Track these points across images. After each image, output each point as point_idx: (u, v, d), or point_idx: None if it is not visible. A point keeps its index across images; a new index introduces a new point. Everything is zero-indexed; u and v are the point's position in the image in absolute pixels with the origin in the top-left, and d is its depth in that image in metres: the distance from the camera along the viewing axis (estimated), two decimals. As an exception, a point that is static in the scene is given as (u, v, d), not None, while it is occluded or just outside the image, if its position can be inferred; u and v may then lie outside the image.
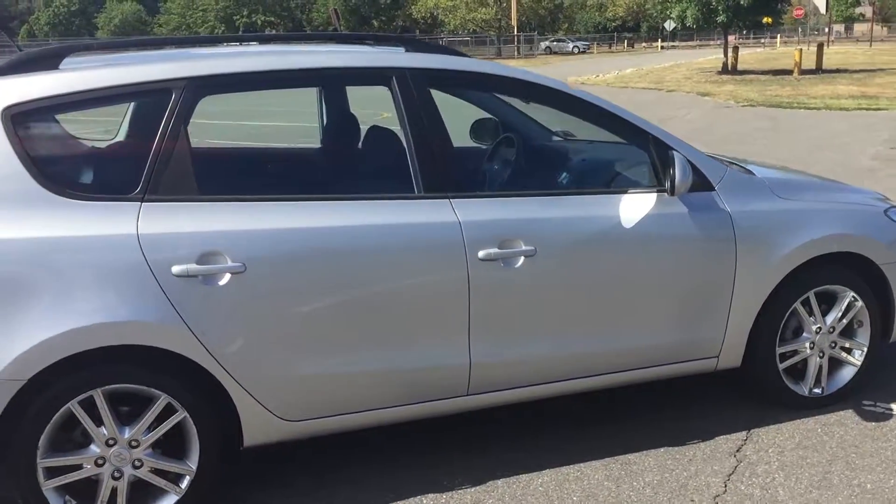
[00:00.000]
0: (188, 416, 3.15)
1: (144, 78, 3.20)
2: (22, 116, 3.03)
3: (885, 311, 4.10)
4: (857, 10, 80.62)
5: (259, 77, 3.40)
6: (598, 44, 73.94)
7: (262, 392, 3.22)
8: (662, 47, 71.63)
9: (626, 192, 3.66)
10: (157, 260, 3.02)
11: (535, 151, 4.50)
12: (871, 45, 58.82)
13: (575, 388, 3.72)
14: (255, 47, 3.86)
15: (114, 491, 3.13)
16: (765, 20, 34.49)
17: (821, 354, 4.06)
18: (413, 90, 3.45)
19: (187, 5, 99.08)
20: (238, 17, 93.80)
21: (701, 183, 3.72)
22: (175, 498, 3.20)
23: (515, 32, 64.35)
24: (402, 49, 3.73)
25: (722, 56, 34.70)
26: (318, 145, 4.36)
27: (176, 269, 3.03)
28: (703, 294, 3.77)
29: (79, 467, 3.09)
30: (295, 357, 3.25)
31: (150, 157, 3.11)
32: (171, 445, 3.20)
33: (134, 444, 3.12)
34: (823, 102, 19.55)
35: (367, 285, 3.30)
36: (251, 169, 4.28)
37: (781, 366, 4.00)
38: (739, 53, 35.63)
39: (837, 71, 31.18)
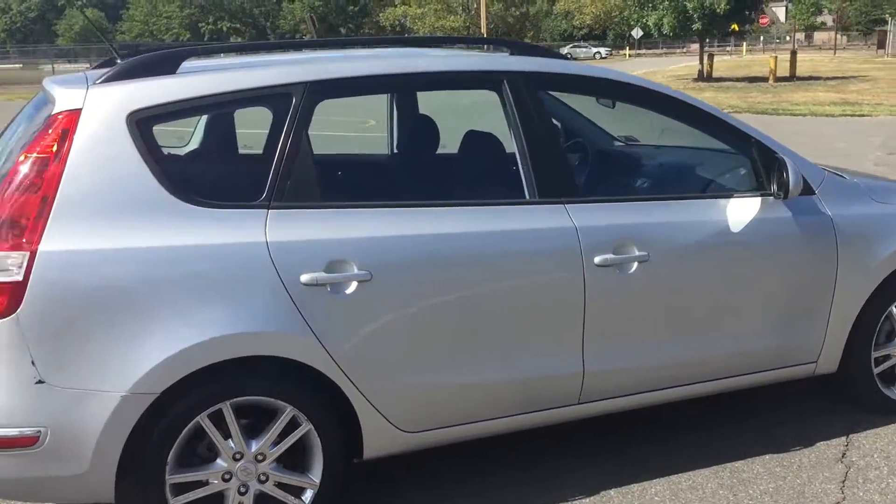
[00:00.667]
0: (313, 428, 3.07)
1: (266, 82, 3.11)
2: (147, 121, 2.93)
3: None
4: (819, 19, 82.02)
5: (375, 81, 3.34)
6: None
7: (383, 403, 3.14)
8: (630, 55, 72.21)
9: (731, 196, 3.64)
10: (286, 268, 2.93)
11: (623, 156, 4.47)
12: (835, 53, 59.84)
13: (681, 395, 3.68)
14: (364, 51, 3.79)
15: (238, 507, 3.04)
16: (732, 27, 34.90)
17: (913, 360, 4.07)
18: (525, 93, 3.40)
19: (150, 12, 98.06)
20: (203, 24, 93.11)
21: (804, 187, 3.71)
22: (299, 513, 3.12)
23: (485, 40, 64.32)
24: (507, 51, 3.68)
25: (694, 63, 35.09)
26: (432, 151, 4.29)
27: (305, 277, 2.95)
28: (805, 298, 3.75)
29: (204, 483, 3.00)
30: (417, 366, 3.17)
31: (275, 163, 3.02)
32: (291, 458, 3.12)
33: (260, 457, 3.03)
34: (808, 109, 19.81)
35: (487, 293, 3.24)
36: (368, 175, 4.20)
37: (876, 370, 4.00)
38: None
39: (811, 78, 31.64)
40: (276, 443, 3.04)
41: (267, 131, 3.28)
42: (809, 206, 3.72)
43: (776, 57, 31.70)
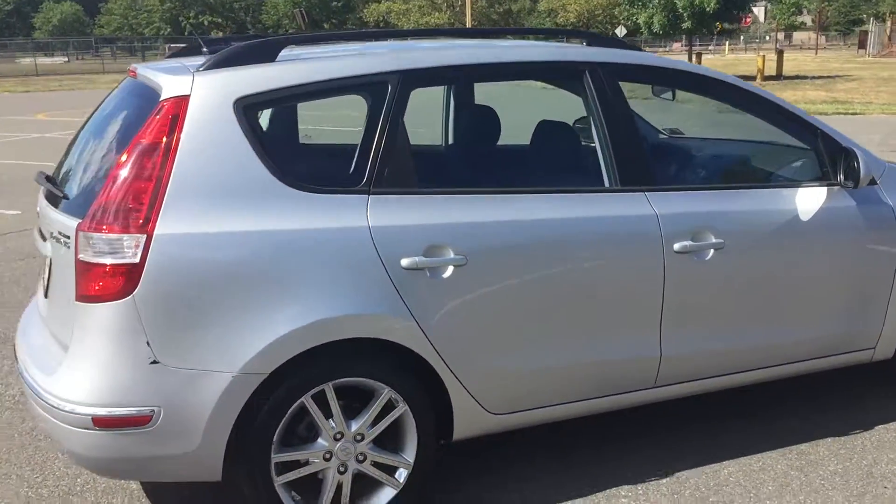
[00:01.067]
0: (408, 409, 3.14)
1: (364, 71, 3.18)
2: (253, 108, 2.99)
3: None
4: (799, 19, 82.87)
5: (465, 70, 3.42)
6: (548, 49, 74.14)
7: (475, 385, 3.21)
8: (613, 53, 72.40)
9: (799, 185, 3.74)
10: (387, 252, 3.00)
11: (681, 147, 4.57)
12: (816, 53, 60.44)
13: (750, 380, 3.79)
14: (451, 42, 3.86)
15: (337, 487, 3.10)
16: (717, 26, 35.16)
17: (959, 344, 4.20)
18: (605, 84, 3.48)
19: (129, 6, 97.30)
20: (184, 18, 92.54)
21: (867, 177, 3.81)
22: (393, 492, 3.19)
23: (469, 37, 64.27)
24: (583, 43, 3.77)
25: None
26: (507, 141, 4.37)
27: (405, 261, 3.02)
28: (866, 285, 3.87)
29: (305, 463, 3.06)
30: (507, 349, 3.25)
31: (373, 150, 3.08)
32: (384, 439, 3.18)
33: (359, 437, 3.10)
34: (801, 107, 20.00)
35: (573, 278, 3.32)
36: (458, 163, 4.28)
37: (928, 356, 4.13)
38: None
39: (797, 77, 31.98)
40: (373, 423, 3.11)
41: None
42: (872, 195, 3.83)
43: (764, 56, 31.98)
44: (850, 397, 4.28)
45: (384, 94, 3.14)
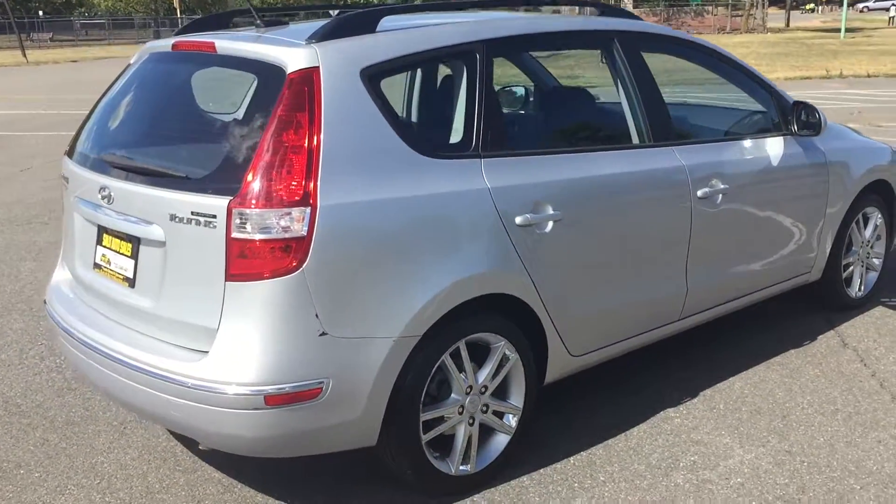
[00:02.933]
0: (519, 358, 3.34)
1: (458, 40, 3.29)
2: (377, 76, 3.02)
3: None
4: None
5: (533, 39, 3.66)
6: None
7: (565, 330, 3.48)
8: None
9: (766, 136, 4.34)
10: (505, 211, 3.18)
11: None
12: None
13: (741, 305, 4.39)
14: (509, 13, 4.04)
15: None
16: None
17: (861, 265, 5.08)
18: (631, 51, 3.86)
19: None
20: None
21: (801, 126, 4.50)
22: (507, 437, 3.38)
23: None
24: (597, 13, 4.09)
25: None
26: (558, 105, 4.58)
27: (518, 219, 3.21)
28: (810, 217, 4.58)
29: (440, 419, 3.17)
30: (589, 295, 3.55)
31: (476, 115, 3.23)
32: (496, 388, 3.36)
33: (483, 389, 3.26)
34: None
35: (635, 225, 3.69)
36: (537, 125, 4.40)
37: (844, 275, 4.96)
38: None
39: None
40: (494, 374, 3.28)
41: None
42: (810, 144, 4.53)
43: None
44: (783, 316, 5.02)
45: (474, 61, 3.28)
